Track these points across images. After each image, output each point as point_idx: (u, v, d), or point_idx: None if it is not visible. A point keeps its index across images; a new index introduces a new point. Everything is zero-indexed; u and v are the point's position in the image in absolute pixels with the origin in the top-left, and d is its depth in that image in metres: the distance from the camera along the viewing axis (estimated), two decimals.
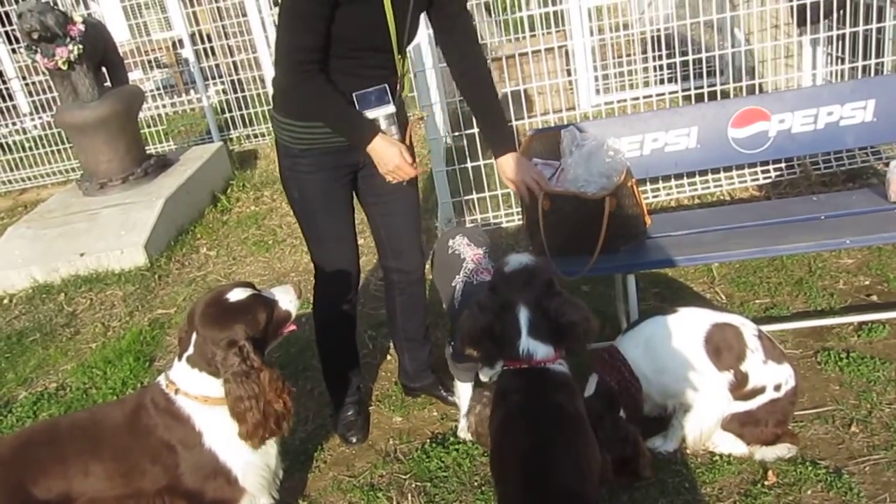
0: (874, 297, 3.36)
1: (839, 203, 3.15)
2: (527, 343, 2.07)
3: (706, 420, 2.53)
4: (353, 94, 2.43)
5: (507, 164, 2.71)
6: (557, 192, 2.82)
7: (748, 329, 2.51)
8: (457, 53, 2.64)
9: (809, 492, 2.39)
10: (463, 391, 2.86)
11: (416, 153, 2.72)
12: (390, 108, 2.47)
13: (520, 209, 4.28)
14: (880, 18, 4.27)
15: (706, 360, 2.48)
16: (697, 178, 4.57)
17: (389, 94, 2.47)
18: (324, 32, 2.29)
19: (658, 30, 5.21)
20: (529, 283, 2.11)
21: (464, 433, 2.85)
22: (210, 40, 7.62)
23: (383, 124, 2.47)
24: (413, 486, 2.67)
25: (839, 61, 4.68)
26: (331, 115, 2.44)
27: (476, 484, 2.62)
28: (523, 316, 2.08)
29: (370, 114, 2.45)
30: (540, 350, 2.06)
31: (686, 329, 2.54)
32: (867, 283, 3.48)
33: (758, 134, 3.32)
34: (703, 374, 2.49)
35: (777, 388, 2.49)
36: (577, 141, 3.00)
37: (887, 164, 3.11)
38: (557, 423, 1.99)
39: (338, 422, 3.00)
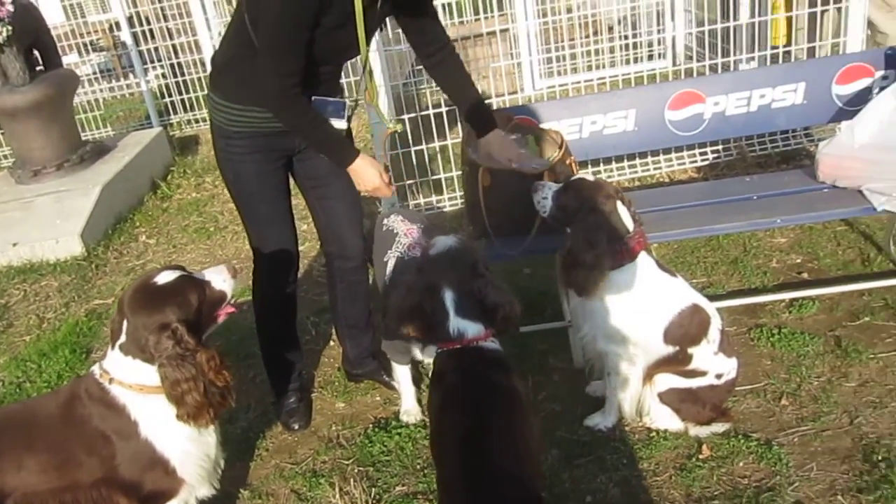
0: (805, 275, 3.47)
1: (771, 184, 3.24)
2: (456, 323, 2.07)
3: (633, 385, 2.58)
4: (313, 98, 2.47)
5: (488, 145, 2.78)
6: (496, 168, 2.83)
7: (715, 322, 2.53)
8: (426, 51, 2.71)
9: (741, 464, 2.47)
10: (401, 374, 2.87)
11: (360, 137, 2.73)
12: (342, 124, 2.53)
13: (463, 193, 4.30)
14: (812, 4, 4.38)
15: (660, 331, 2.49)
16: (637, 161, 4.63)
17: (345, 110, 2.53)
18: (304, 55, 2.32)
19: (605, 13, 5.27)
20: (454, 265, 2.12)
21: (406, 416, 2.86)
22: (149, 23, 7.43)
23: (340, 126, 2.51)
24: (356, 471, 2.67)
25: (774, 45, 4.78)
26: (317, 137, 2.51)
27: (419, 467, 2.64)
28: (448, 297, 2.09)
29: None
30: (470, 328, 2.08)
31: (669, 297, 2.52)
32: (799, 260, 3.58)
33: (693, 116, 3.38)
34: (647, 347, 2.52)
35: (718, 376, 2.55)
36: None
37: (818, 146, 3.20)
38: (494, 402, 2.00)
39: (280, 409, 2.98)
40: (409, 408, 2.89)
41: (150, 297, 2.05)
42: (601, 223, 2.42)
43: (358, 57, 2.50)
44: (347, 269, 2.91)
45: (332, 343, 3.45)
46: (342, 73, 2.65)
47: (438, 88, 2.93)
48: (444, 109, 4.25)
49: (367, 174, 2.53)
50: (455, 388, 2.05)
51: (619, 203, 2.46)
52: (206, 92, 2.63)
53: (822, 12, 4.43)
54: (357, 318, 3.03)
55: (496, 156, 2.79)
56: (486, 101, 4.61)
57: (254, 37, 2.33)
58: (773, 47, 4.61)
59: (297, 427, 2.94)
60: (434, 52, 2.71)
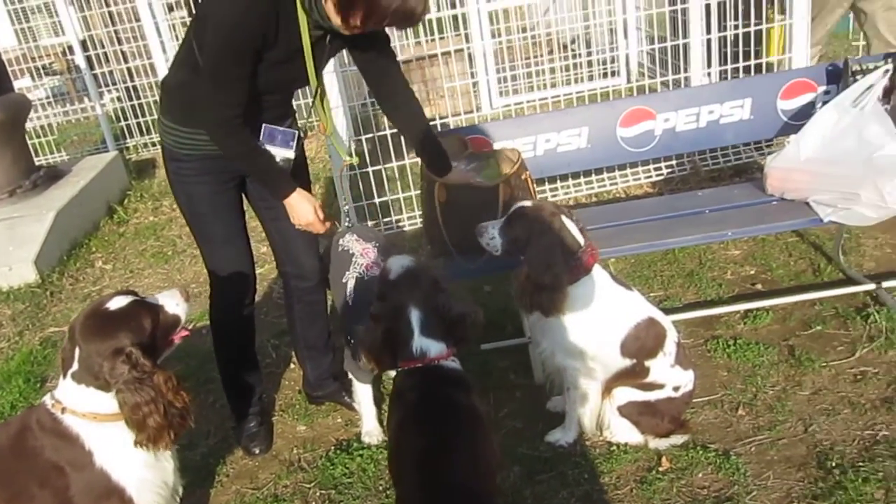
0: (759, 286, 3.54)
1: (722, 197, 3.31)
2: (420, 342, 2.09)
3: (592, 399, 2.61)
4: (263, 126, 2.48)
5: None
6: (451, 183, 2.84)
7: (671, 335, 2.56)
8: (382, 90, 2.71)
9: (700, 474, 2.50)
10: (363, 393, 2.86)
11: (318, 158, 2.74)
12: (290, 154, 2.53)
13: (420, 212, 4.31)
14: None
15: (617, 345, 2.51)
16: (594, 177, 4.70)
17: (294, 140, 2.53)
18: (246, 87, 2.32)
19: (559, 32, 5.34)
20: (416, 284, 2.14)
21: (368, 438, 2.85)
22: (103, 46, 7.35)
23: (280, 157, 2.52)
24: (318, 494, 2.65)
25: (725, 60, 4.90)
26: (254, 168, 2.52)
27: (381, 488, 2.62)
28: (414, 316, 2.10)
29: (270, 149, 2.50)
30: (433, 348, 2.09)
31: (625, 310, 2.54)
32: (752, 272, 3.66)
33: (645, 133, 3.45)
34: (605, 361, 2.54)
35: (676, 389, 2.58)
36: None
37: (766, 160, 3.28)
38: (452, 420, 2.01)
39: (240, 433, 2.95)
40: (371, 429, 2.88)
41: (102, 323, 2.02)
42: (554, 243, 2.44)
43: (308, 87, 2.51)
44: (304, 289, 2.90)
45: (292, 366, 3.43)
46: (294, 97, 2.66)
47: None
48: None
49: (301, 209, 2.53)
50: (414, 406, 2.06)
51: (565, 219, 2.49)
52: None
53: (769, 29, 4.56)
54: (316, 340, 3.01)
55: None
56: (444, 121, 4.66)
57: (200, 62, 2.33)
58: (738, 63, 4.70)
59: (258, 451, 2.91)
60: (389, 95, 2.70)
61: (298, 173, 2.65)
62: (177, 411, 2.07)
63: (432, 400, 2.05)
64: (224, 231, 2.67)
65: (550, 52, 5.65)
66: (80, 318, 2.05)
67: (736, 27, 4.62)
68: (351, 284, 2.74)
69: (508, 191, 2.85)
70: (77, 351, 2.01)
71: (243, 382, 2.95)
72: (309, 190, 2.71)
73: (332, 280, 2.89)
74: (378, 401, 2.95)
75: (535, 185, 3.04)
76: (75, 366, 2.02)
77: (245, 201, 2.75)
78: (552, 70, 5.49)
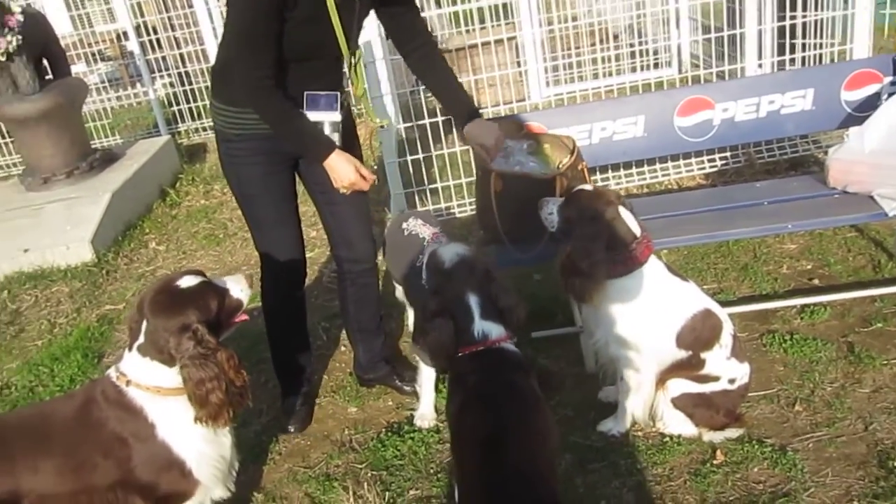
0: (816, 281, 3.47)
1: (781, 189, 3.25)
2: (481, 325, 2.10)
3: (645, 390, 2.58)
4: (305, 94, 2.47)
5: (469, 131, 2.74)
6: (508, 173, 2.83)
7: (728, 327, 2.53)
8: (408, 46, 2.71)
9: (756, 469, 2.47)
10: (426, 376, 2.87)
11: (367, 144, 2.75)
12: (336, 116, 2.52)
13: (472, 199, 4.31)
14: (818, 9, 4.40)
15: (673, 336, 2.48)
16: (646, 168, 4.65)
17: (338, 102, 2.51)
18: (275, 47, 2.32)
19: (609, 21, 5.29)
20: (472, 271, 2.17)
21: (420, 421, 2.87)
22: (156, 32, 7.47)
23: (326, 129, 2.52)
24: (369, 475, 2.67)
25: (781, 51, 4.80)
26: (289, 131, 2.49)
27: (432, 471, 2.64)
28: (473, 301, 2.12)
29: (314, 116, 2.49)
30: (494, 330, 2.11)
31: (681, 301, 2.51)
32: (809, 267, 3.59)
33: (702, 122, 3.39)
34: (659, 352, 2.52)
35: (731, 381, 2.54)
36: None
37: (826, 153, 3.21)
38: (514, 402, 2.01)
39: (282, 407, 3.00)
40: (425, 412, 2.88)
41: (171, 299, 2.06)
42: (600, 232, 2.42)
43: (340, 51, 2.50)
44: (358, 272, 2.91)
45: (343, 348, 3.46)
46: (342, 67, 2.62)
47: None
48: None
49: (342, 169, 2.50)
50: (475, 389, 2.06)
51: (622, 209, 2.47)
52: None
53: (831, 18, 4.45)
54: (368, 322, 3.03)
55: (479, 140, 2.75)
56: (494, 108, 4.64)
57: None
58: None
59: (292, 430, 2.94)
60: (416, 48, 2.70)
61: (347, 139, 2.63)
62: (236, 389, 2.11)
63: (493, 382, 2.05)
64: (274, 213, 2.70)
65: (601, 42, 5.59)
66: (149, 292, 2.09)
67: (793, 17, 4.53)
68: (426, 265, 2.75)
69: (565, 182, 2.83)
70: (144, 325, 2.05)
71: (294, 363, 2.99)
72: (360, 156, 2.69)
73: (396, 266, 2.90)
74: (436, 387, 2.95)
75: (590, 176, 3.02)
76: (141, 339, 2.06)
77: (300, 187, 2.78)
78: (605, 59, 5.43)
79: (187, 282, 2.09)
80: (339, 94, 2.51)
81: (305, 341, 3.03)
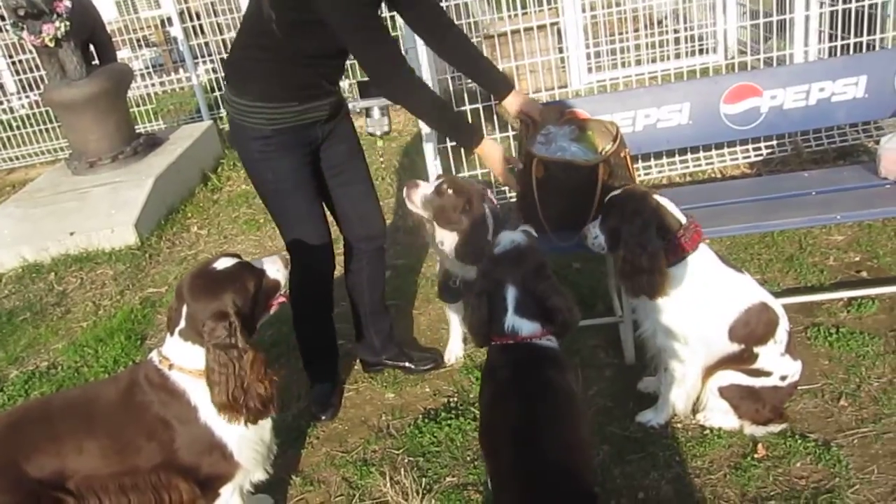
0: (864, 273, 3.38)
1: (830, 179, 3.16)
2: (512, 320, 2.08)
3: (689, 382, 2.55)
4: (358, 83, 2.60)
5: (510, 103, 2.83)
6: (550, 160, 2.80)
7: (783, 323, 2.48)
8: (433, 34, 2.75)
9: (798, 464, 2.42)
10: (451, 312, 3.14)
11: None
12: (384, 101, 2.63)
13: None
14: None
15: (725, 329, 2.44)
16: (689, 156, 4.56)
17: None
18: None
19: (652, 7, 5.19)
20: (518, 263, 2.12)
21: (449, 356, 3.12)
22: (199, 18, 7.53)
23: (376, 114, 2.55)
24: (406, 461, 2.68)
25: (830, 38, 4.67)
26: (446, 118, 2.59)
27: (469, 458, 2.64)
28: (510, 294, 2.09)
29: (365, 102, 2.61)
30: (525, 327, 2.08)
31: (734, 293, 2.46)
32: (857, 259, 3.50)
33: (750, 110, 3.32)
34: (710, 344, 2.48)
35: (783, 378, 2.49)
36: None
37: (877, 142, 3.12)
38: (546, 398, 1.99)
39: (312, 396, 3.03)
40: (454, 348, 3.17)
41: (209, 282, 2.08)
42: (648, 223, 2.39)
43: None
44: (373, 250, 2.95)
45: None
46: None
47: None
48: (493, 102, 4.22)
49: (496, 153, 2.62)
50: (506, 383, 2.05)
51: (660, 198, 2.43)
52: None
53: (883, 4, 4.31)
54: (378, 303, 3.08)
55: (522, 109, 2.84)
56: (535, 95, 4.60)
57: (286, 39, 2.37)
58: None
59: (323, 418, 2.97)
60: (441, 36, 2.73)
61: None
62: (257, 396, 2.07)
63: (524, 377, 2.04)
64: (308, 205, 2.72)
65: (646, 28, 5.48)
66: (187, 276, 2.12)
67: (846, 1, 4.39)
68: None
69: (608, 170, 2.79)
70: (184, 309, 2.07)
71: (323, 352, 3.04)
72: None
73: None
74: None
75: (632, 164, 2.97)
76: (182, 323, 2.09)
77: None
78: (649, 45, 5.33)
79: (224, 263, 2.11)
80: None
81: (332, 330, 3.05)
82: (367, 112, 2.75)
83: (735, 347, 2.45)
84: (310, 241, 2.74)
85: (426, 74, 4.63)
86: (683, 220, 2.42)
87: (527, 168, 2.81)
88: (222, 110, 7.46)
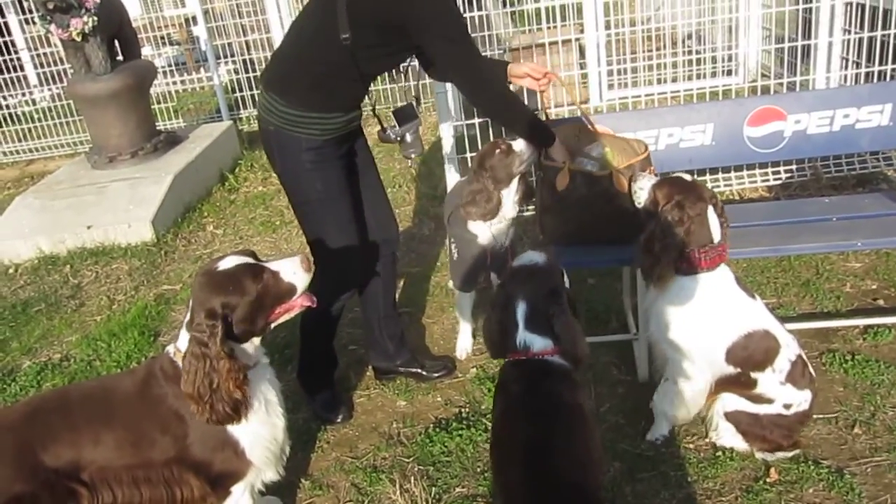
0: (881, 302, 3.37)
1: (851, 205, 3.15)
2: (524, 336, 2.08)
3: (689, 396, 2.53)
4: (392, 112, 2.72)
5: (514, 68, 2.86)
6: (575, 170, 2.79)
7: (787, 351, 2.45)
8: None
9: (811, 490, 2.40)
10: (464, 302, 3.18)
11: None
12: (418, 122, 2.73)
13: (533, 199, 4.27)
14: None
15: (723, 349, 2.43)
16: (708, 177, 4.55)
17: (415, 108, 2.72)
18: None
19: (675, 27, 5.19)
20: (532, 280, 2.12)
21: (459, 352, 3.16)
22: (223, 18, 7.60)
23: (409, 137, 2.70)
24: (416, 469, 2.68)
25: (854, 65, 4.67)
26: (530, 124, 2.72)
27: (479, 469, 2.63)
28: (520, 309, 2.09)
29: (401, 130, 2.72)
30: (537, 343, 2.07)
31: (739, 317, 2.45)
32: (874, 287, 3.48)
33: (773, 133, 3.31)
34: (708, 362, 2.47)
35: (787, 406, 2.47)
36: None
37: None
38: (558, 415, 1.99)
39: (317, 404, 3.01)
40: (465, 344, 3.24)
41: (208, 279, 2.06)
42: (680, 221, 2.40)
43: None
44: (389, 255, 3.00)
45: None
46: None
47: None
48: None
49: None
50: (517, 399, 2.05)
51: (710, 209, 2.43)
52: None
53: None
54: (391, 307, 3.10)
55: (525, 70, 2.87)
56: (558, 109, 4.60)
57: (354, 56, 2.45)
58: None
59: (339, 419, 2.96)
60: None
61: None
62: (227, 399, 2.03)
63: (535, 394, 2.03)
64: (352, 212, 2.74)
65: (668, 46, 5.49)
66: (198, 272, 2.13)
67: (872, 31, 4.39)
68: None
69: (626, 182, 2.79)
70: (191, 302, 2.07)
71: (328, 360, 3.05)
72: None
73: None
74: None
75: None
76: (188, 316, 2.09)
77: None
78: (673, 65, 5.33)
79: (227, 263, 2.07)
80: (413, 102, 2.73)
81: (334, 337, 3.05)
82: (402, 138, 2.78)
83: (731, 370, 2.45)
84: (354, 247, 2.74)
85: (442, 86, 4.66)
86: (717, 238, 2.42)
87: (545, 180, 2.82)
88: (242, 111, 7.51)
